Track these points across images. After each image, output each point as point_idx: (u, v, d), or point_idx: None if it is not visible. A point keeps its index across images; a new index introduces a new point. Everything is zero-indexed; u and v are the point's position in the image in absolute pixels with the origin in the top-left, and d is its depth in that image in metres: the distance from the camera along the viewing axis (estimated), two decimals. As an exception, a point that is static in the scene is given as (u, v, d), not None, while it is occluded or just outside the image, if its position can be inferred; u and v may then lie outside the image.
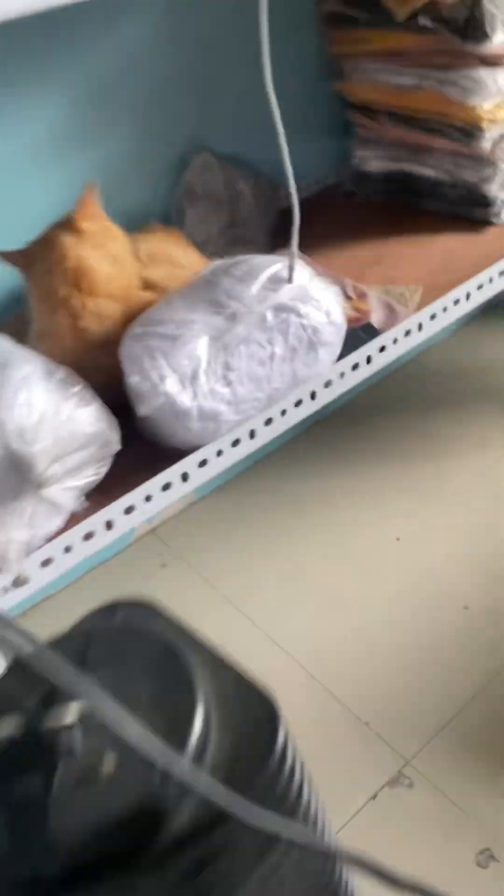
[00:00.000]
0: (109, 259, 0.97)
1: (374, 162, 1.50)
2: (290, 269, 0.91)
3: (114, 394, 0.91)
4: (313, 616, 1.48)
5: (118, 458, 0.89)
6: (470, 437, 1.79)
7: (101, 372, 0.91)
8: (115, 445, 0.85)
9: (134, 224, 1.15)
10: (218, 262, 1.02)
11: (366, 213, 1.53)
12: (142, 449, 0.92)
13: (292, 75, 1.46)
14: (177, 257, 1.12)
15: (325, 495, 1.68)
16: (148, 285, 1.02)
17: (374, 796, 1.20)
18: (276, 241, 1.46)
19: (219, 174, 1.41)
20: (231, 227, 1.43)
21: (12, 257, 0.98)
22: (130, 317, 0.96)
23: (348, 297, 1.24)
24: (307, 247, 1.40)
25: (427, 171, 1.44)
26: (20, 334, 0.97)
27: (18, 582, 0.82)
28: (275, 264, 0.96)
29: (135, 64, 1.30)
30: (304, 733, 1.30)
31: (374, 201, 1.55)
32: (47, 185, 1.26)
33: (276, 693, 1.31)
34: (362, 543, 1.60)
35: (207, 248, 1.39)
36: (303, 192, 1.58)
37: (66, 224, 0.96)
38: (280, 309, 0.93)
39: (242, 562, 1.58)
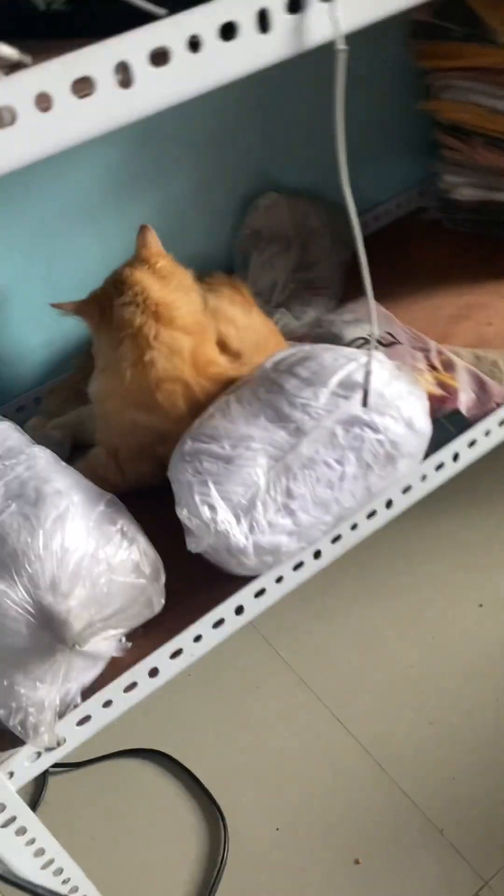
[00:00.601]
0: (182, 290, 0.91)
1: (463, 189, 1.32)
2: (366, 384, 0.77)
3: (165, 453, 0.86)
4: (384, 694, 1.36)
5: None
6: None
7: (154, 417, 0.87)
8: (158, 606, 0.75)
9: (194, 272, 1.03)
10: (283, 355, 0.88)
11: (453, 247, 1.35)
12: (192, 566, 0.81)
13: (372, 90, 1.29)
14: (235, 317, 0.99)
15: (401, 557, 1.54)
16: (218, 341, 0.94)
17: (449, 922, 1.09)
18: (349, 284, 1.31)
19: (286, 213, 1.27)
20: (299, 271, 1.28)
21: (73, 307, 0.93)
22: (197, 362, 0.89)
23: (432, 367, 1.09)
24: (385, 291, 1.24)
25: (527, 205, 1.26)
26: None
27: (54, 746, 0.73)
28: (347, 365, 0.83)
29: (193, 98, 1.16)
30: (366, 833, 1.23)
31: (462, 232, 1.38)
32: (103, 235, 1.15)
33: (338, 782, 1.19)
34: (440, 610, 1.46)
35: (273, 296, 1.26)
36: (381, 219, 1.42)
37: (135, 261, 0.92)
38: (352, 423, 0.80)
39: (309, 628, 1.47)
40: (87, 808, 1.27)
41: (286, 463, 0.78)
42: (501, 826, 1.17)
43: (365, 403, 0.78)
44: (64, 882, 0.86)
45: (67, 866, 0.85)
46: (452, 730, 1.29)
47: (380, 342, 1.11)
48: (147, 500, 0.84)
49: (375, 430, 0.80)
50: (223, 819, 1.24)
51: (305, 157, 1.30)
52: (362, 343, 1.11)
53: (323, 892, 1.14)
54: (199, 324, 0.90)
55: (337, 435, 0.79)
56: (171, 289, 0.90)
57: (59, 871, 0.85)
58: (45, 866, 0.83)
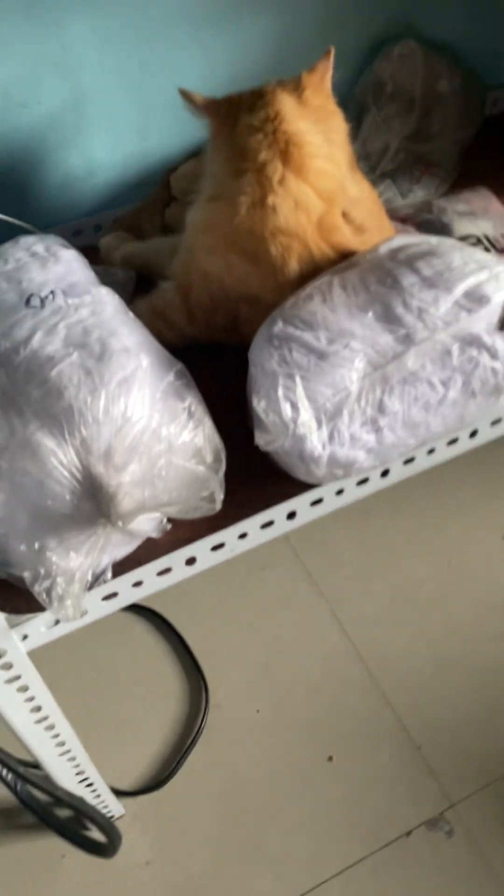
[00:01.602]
0: (327, 142, 0.77)
1: None
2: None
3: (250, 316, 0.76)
4: (387, 605, 1.33)
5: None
6: None
7: (255, 271, 0.75)
8: (220, 503, 0.67)
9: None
10: (402, 242, 0.76)
11: None
12: (249, 459, 0.73)
13: None
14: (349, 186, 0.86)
15: (431, 475, 1.47)
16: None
17: (409, 833, 1.11)
18: (467, 168, 1.15)
19: (419, 68, 1.09)
20: (415, 141, 1.12)
21: (202, 101, 0.78)
22: (323, 225, 0.76)
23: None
24: (498, 179, 1.10)
25: None
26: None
27: (76, 618, 0.68)
28: (479, 273, 0.71)
29: None
30: (344, 734, 1.24)
31: None
32: (209, 51, 0.98)
33: (326, 679, 1.17)
34: (460, 536, 1.41)
35: (381, 163, 1.10)
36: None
37: (290, 85, 0.77)
38: (471, 342, 0.69)
39: (324, 524, 1.41)
40: (74, 654, 1.27)
41: (385, 373, 0.69)
42: (478, 755, 1.18)
43: (503, 326, 0.67)
44: (54, 737, 0.85)
45: (60, 724, 0.84)
46: (449, 655, 1.27)
47: (493, 245, 0.98)
48: (204, 361, 0.74)
49: (494, 356, 0.69)
50: (206, 690, 1.24)
51: (451, 8, 1.10)
52: (475, 242, 0.98)
53: (291, 779, 1.16)
54: (333, 191, 0.77)
55: (451, 353, 0.69)
56: (314, 131, 0.75)
57: (51, 727, 0.83)
58: (39, 721, 0.81)
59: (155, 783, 1.16)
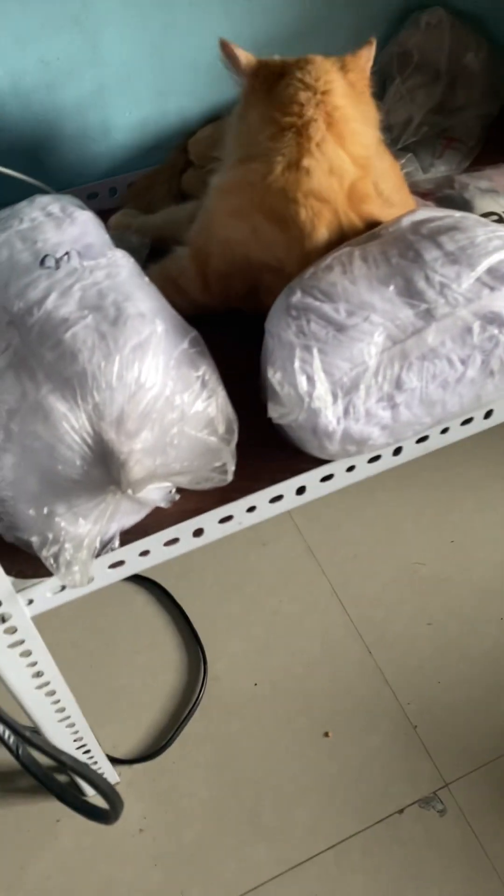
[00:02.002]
0: (363, 118, 0.77)
1: None
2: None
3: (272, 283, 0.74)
4: (388, 583, 1.33)
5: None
6: None
7: (282, 235, 0.74)
8: (229, 475, 0.66)
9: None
10: (425, 215, 0.75)
11: None
12: (260, 431, 0.72)
13: None
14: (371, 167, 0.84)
15: (437, 452, 1.46)
16: None
17: (402, 811, 1.12)
18: (491, 144, 1.13)
19: (447, 39, 1.06)
20: (439, 114, 1.10)
21: (244, 57, 0.76)
22: (354, 194, 0.75)
23: None
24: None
25: None
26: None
27: (83, 585, 0.67)
28: (503, 249, 0.69)
29: None
30: (341, 711, 1.24)
31: None
32: (231, 15, 0.96)
33: (325, 655, 1.17)
34: (465, 516, 1.41)
35: (403, 135, 1.08)
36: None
37: (337, 62, 0.77)
38: (493, 320, 0.68)
39: (328, 499, 1.40)
40: (75, 621, 1.27)
41: (405, 348, 0.67)
42: (475, 737, 1.18)
43: (526, 306, 0.66)
44: (54, 703, 0.85)
45: (61, 690, 0.84)
46: (449, 636, 1.27)
47: (514, 225, 0.96)
48: (218, 330, 0.73)
49: (515, 334, 0.68)
50: (205, 661, 1.24)
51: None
52: (497, 220, 0.96)
53: (286, 752, 1.17)
54: (367, 160, 0.75)
55: (472, 330, 0.68)
56: (356, 109, 0.75)
57: (52, 693, 0.83)
58: (40, 687, 0.81)
59: (151, 752, 1.16)
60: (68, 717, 0.89)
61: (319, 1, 1.00)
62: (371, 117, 0.78)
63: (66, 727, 0.90)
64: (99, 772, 1.04)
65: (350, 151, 0.73)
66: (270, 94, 0.74)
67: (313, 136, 0.71)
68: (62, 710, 0.87)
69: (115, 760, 1.13)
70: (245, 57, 0.76)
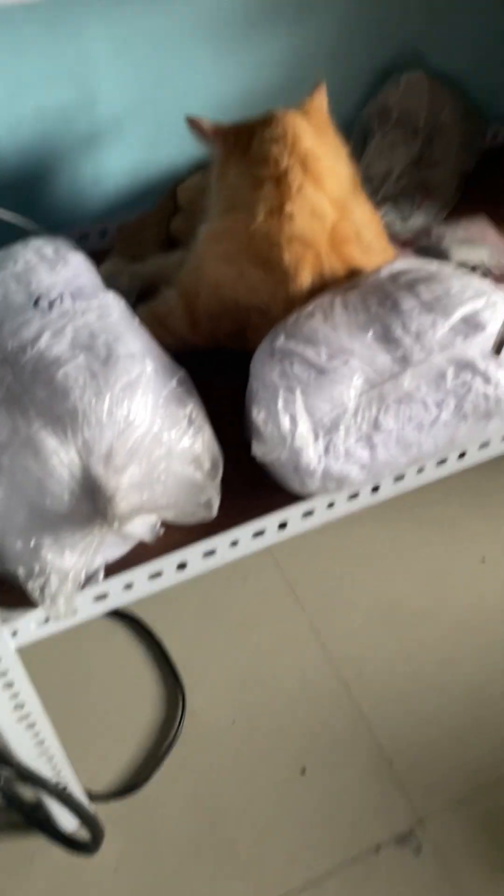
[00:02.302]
0: (334, 156, 0.82)
1: None
2: None
3: (260, 323, 0.78)
4: (366, 619, 1.35)
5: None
6: None
7: (267, 277, 0.78)
8: (213, 510, 0.68)
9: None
10: (403, 266, 0.78)
11: None
12: (244, 468, 0.75)
13: None
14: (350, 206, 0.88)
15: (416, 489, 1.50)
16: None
17: (377, 848, 1.12)
18: (466, 196, 1.18)
19: (425, 97, 1.12)
20: (417, 167, 1.15)
21: (211, 128, 0.82)
22: (335, 237, 0.79)
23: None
24: (496, 209, 1.12)
25: None
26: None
27: (65, 615, 0.69)
28: (476, 300, 0.73)
29: None
30: (318, 747, 1.25)
31: None
32: (222, 69, 1.00)
33: (302, 691, 1.18)
34: (443, 553, 1.44)
35: (383, 187, 1.13)
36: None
37: (297, 109, 0.82)
38: (465, 367, 0.72)
39: (307, 533, 1.43)
40: (54, 655, 1.27)
41: (382, 391, 0.71)
42: (449, 773, 1.19)
43: (498, 352, 0.70)
44: (34, 736, 0.85)
45: (41, 723, 0.84)
46: (426, 672, 1.29)
47: (489, 273, 1.01)
48: (204, 370, 0.75)
49: (487, 381, 0.72)
50: (183, 697, 1.25)
51: (459, 42, 1.13)
52: (472, 269, 1.00)
53: (263, 789, 1.17)
54: (344, 200, 0.79)
55: (446, 376, 0.71)
56: (325, 147, 0.79)
57: (32, 726, 0.84)
58: (21, 719, 0.81)
59: (128, 788, 1.16)
60: (47, 751, 0.89)
61: (306, 59, 1.05)
62: (340, 151, 0.83)
63: (45, 761, 0.90)
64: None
65: (328, 192, 0.78)
66: (245, 154, 0.78)
67: (292, 183, 0.76)
68: (41, 742, 0.87)
69: (92, 796, 1.13)
70: (211, 127, 0.81)
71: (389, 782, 1.18)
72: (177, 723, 1.22)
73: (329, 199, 0.78)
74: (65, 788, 0.77)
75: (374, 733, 1.23)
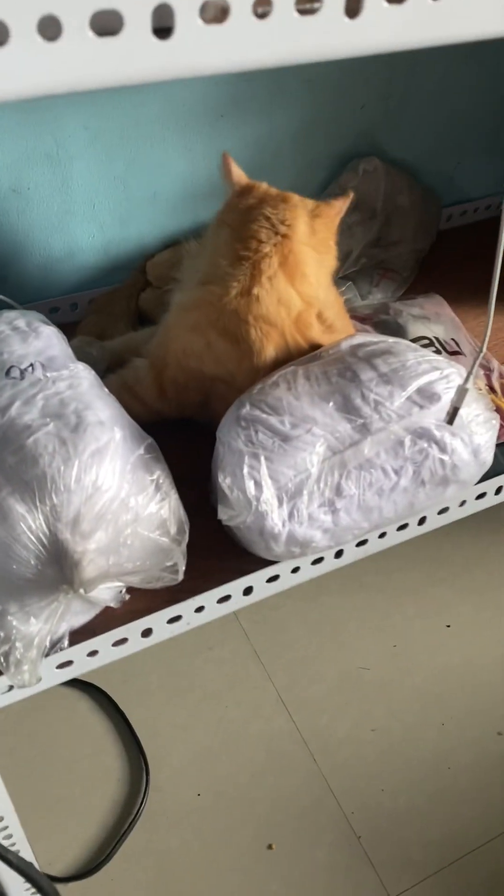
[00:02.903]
0: (318, 267, 0.84)
1: None
2: (456, 403, 0.72)
3: (225, 393, 0.81)
4: (333, 688, 1.34)
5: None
6: None
7: (234, 350, 0.80)
8: (179, 574, 0.70)
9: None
10: (362, 340, 0.82)
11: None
12: (210, 533, 0.76)
13: (500, 80, 1.21)
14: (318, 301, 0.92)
15: (379, 557, 1.52)
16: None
17: (346, 929, 1.09)
18: (423, 275, 1.25)
19: (381, 183, 1.19)
20: (376, 248, 1.21)
21: (239, 175, 0.84)
22: (299, 321, 0.83)
23: (491, 389, 1.04)
24: (454, 293, 1.19)
25: None
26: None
27: (32, 685, 0.68)
28: (431, 373, 0.77)
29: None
30: (285, 821, 1.22)
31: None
32: (191, 153, 1.06)
33: (269, 763, 1.16)
34: (407, 621, 1.45)
35: (343, 266, 1.19)
36: (467, 216, 1.36)
37: (310, 205, 0.84)
38: (422, 435, 0.75)
39: (275, 602, 1.43)
40: (13, 726, 1.24)
41: (343, 458, 0.73)
42: (418, 846, 1.17)
43: (451, 421, 0.73)
44: (-8, 811, 0.83)
45: (0, 798, 0.82)
46: (392, 741, 1.28)
47: (443, 347, 1.06)
48: (171, 437, 0.78)
49: (443, 449, 0.75)
50: (147, 771, 1.22)
51: (413, 132, 1.22)
52: (427, 344, 1.05)
53: (229, 867, 1.14)
54: (313, 298, 0.83)
55: (403, 444, 0.74)
56: (312, 253, 0.82)
57: (-9, 801, 0.81)
58: (-21, 794, 0.79)
59: (88, 869, 1.12)
60: (6, 829, 0.87)
61: (271, 145, 1.11)
62: (327, 264, 0.85)
63: (3, 839, 0.87)
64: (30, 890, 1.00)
65: (298, 289, 0.81)
66: (241, 221, 0.81)
67: (265, 270, 0.79)
68: (0, 819, 0.85)
69: (50, 878, 1.09)
70: (237, 175, 0.84)
71: (358, 858, 1.16)
72: (140, 799, 1.19)
73: (298, 293, 0.81)
74: (31, 864, 0.75)
75: (341, 807, 1.21)
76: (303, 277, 0.81)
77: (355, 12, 0.43)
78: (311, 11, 0.42)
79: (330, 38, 0.43)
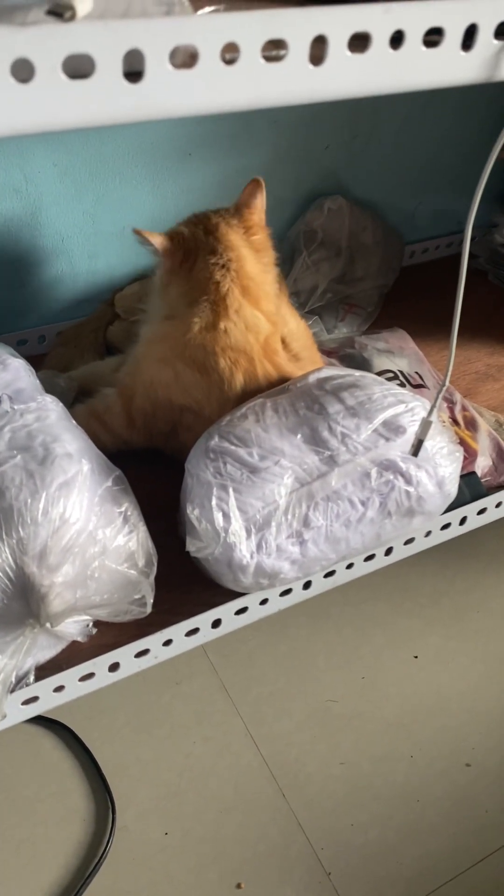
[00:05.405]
0: (265, 272, 0.85)
1: (520, 249, 1.30)
2: (421, 436, 0.73)
3: (192, 424, 0.81)
4: (302, 722, 1.34)
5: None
6: None
7: (203, 381, 0.81)
8: (147, 607, 0.69)
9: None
10: (329, 373, 0.84)
11: (493, 303, 1.33)
12: (178, 565, 0.76)
13: (461, 127, 1.26)
14: (289, 319, 0.94)
15: (348, 589, 1.52)
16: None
17: None
18: (386, 310, 1.28)
19: (346, 221, 1.22)
20: (341, 283, 1.24)
21: (160, 242, 0.83)
22: (267, 347, 0.84)
23: (454, 421, 1.06)
24: (417, 328, 1.22)
25: None
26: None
27: (-9, 721, 0.67)
28: (396, 406, 0.79)
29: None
30: (254, 859, 1.20)
31: (504, 290, 1.36)
32: (160, 189, 1.08)
33: (238, 800, 1.15)
34: (376, 653, 1.45)
35: (310, 301, 1.21)
36: (428, 253, 1.39)
37: (231, 216, 0.85)
38: (388, 467, 0.76)
39: (243, 635, 1.43)
40: (-24, 766, 1.21)
41: (311, 489, 0.74)
42: (387, 882, 1.16)
43: (416, 453, 0.74)
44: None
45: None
46: (361, 775, 1.27)
47: (408, 380, 1.08)
48: (139, 469, 0.78)
49: (408, 481, 0.76)
50: (113, 811, 1.19)
51: (376, 172, 1.25)
52: (392, 377, 1.07)
53: (197, 909, 1.11)
54: (277, 313, 0.85)
55: (370, 475, 0.75)
56: (263, 267, 0.84)
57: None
58: None
59: (51, 914, 1.09)
60: (-34, 872, 0.84)
61: (239, 183, 1.13)
62: (269, 259, 0.87)
63: (-38, 884, 0.85)
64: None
65: (263, 310, 0.83)
66: (189, 276, 0.82)
67: (231, 304, 0.80)
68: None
69: (11, 925, 1.05)
70: (158, 241, 0.84)
71: (328, 895, 1.14)
72: (106, 839, 1.16)
73: (264, 314, 0.83)
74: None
75: (311, 843, 1.20)
76: (265, 296, 0.83)
77: (319, 60, 0.44)
78: (277, 58, 0.43)
79: (295, 84, 0.44)
